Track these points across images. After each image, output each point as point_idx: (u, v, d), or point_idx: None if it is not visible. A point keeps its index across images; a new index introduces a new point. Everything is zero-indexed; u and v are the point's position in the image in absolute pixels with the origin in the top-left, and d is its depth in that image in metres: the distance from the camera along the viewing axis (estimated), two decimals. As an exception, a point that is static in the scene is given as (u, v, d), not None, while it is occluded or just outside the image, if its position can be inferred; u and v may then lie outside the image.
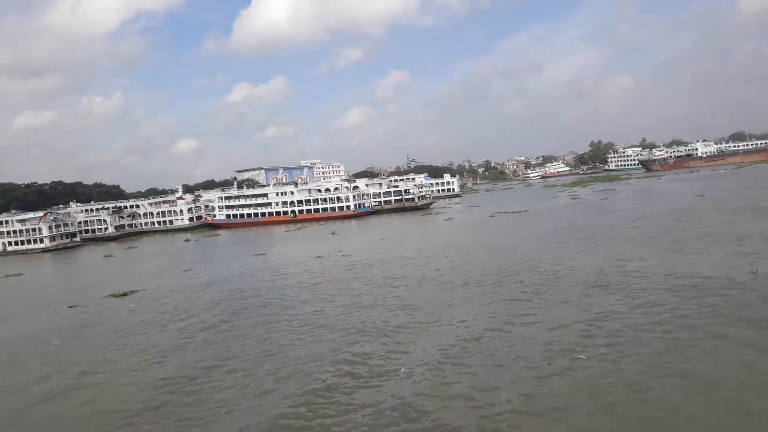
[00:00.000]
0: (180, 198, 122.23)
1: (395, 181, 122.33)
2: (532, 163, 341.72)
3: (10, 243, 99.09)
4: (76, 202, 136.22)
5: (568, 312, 22.72)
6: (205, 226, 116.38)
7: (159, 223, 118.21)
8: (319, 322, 25.74)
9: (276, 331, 25.10)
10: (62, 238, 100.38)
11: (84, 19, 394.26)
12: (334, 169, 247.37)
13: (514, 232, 53.60)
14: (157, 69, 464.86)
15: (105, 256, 75.26)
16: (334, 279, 37.33)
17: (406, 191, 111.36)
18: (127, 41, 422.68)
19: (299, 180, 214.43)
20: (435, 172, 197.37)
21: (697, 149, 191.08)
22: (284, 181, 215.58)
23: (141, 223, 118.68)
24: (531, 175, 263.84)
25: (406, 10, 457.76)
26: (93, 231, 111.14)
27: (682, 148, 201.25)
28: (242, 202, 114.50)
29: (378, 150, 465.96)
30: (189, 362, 21.75)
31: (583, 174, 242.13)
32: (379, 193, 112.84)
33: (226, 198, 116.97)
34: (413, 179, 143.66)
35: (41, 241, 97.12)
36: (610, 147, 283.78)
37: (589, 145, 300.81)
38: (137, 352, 24.05)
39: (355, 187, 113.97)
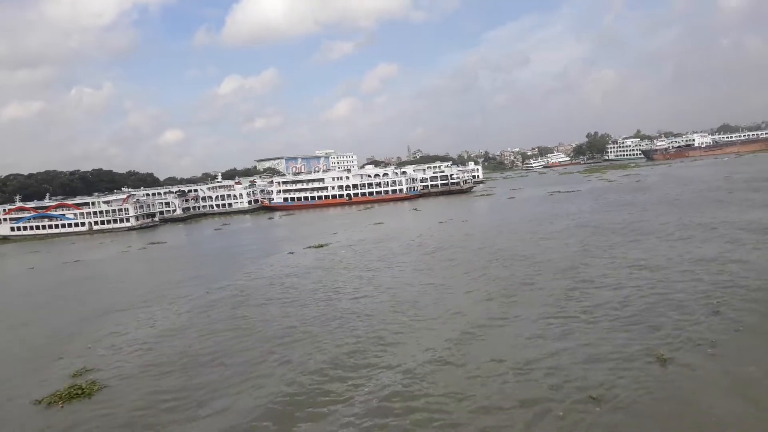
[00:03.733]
0: (237, 183, 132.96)
1: (439, 167, 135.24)
2: (528, 153, 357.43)
3: (96, 223, 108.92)
4: (127, 188, 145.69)
5: None
6: (262, 209, 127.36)
7: (219, 206, 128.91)
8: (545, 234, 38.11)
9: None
10: (144, 218, 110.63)
11: (84, 10, 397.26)
12: (348, 158, 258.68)
13: (600, 203, 66.39)
14: (148, 61, 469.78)
15: (215, 230, 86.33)
16: (504, 233, 49.68)
17: (452, 176, 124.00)
18: (120, 33, 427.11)
19: (316, 168, 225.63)
20: (436, 162, 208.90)
21: (694, 140, 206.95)
22: (303, 169, 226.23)
23: (201, 206, 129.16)
24: (534, 165, 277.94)
25: (398, 5, 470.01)
26: (161, 213, 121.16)
27: (680, 139, 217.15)
28: (300, 186, 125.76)
29: (365, 140, 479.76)
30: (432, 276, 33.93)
31: (585, 163, 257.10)
32: (426, 177, 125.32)
33: (284, 183, 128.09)
34: (439, 167, 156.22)
35: (128, 220, 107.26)
36: (606, 138, 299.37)
37: (586, 136, 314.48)
38: (412, 269, 36.23)
39: (404, 173, 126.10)
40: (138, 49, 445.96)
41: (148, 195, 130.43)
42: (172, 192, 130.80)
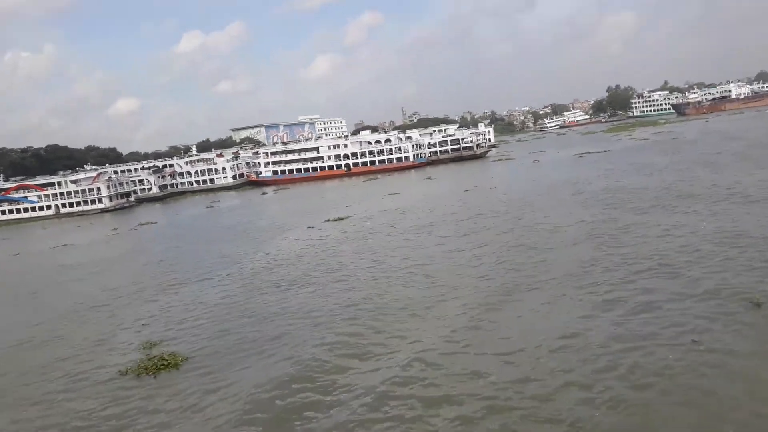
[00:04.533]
0: (219, 155, 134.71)
1: (444, 131, 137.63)
2: (541, 113, 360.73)
3: (64, 205, 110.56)
4: (91, 165, 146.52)
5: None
6: (248, 184, 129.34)
7: (200, 182, 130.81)
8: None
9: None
10: (118, 198, 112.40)
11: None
12: (336, 124, 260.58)
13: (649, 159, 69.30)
14: (96, 18, 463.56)
15: (207, 208, 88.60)
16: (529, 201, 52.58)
17: (464, 140, 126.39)
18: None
19: (300, 136, 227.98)
20: (441, 125, 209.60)
21: (730, 91, 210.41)
22: (285, 138, 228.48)
23: (178, 183, 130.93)
24: (549, 125, 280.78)
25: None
26: (135, 192, 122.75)
27: (714, 90, 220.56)
28: (291, 157, 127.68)
29: (350, 103, 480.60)
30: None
31: (606, 121, 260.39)
32: (434, 143, 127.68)
33: (272, 154, 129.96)
34: (445, 130, 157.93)
35: (100, 201, 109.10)
36: (629, 92, 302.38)
37: (606, 91, 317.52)
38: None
39: (408, 138, 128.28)
40: (84, 3, 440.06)
41: (117, 172, 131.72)
42: (146, 168, 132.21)
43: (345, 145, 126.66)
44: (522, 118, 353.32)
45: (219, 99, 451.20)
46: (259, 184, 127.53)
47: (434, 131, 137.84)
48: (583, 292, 22.82)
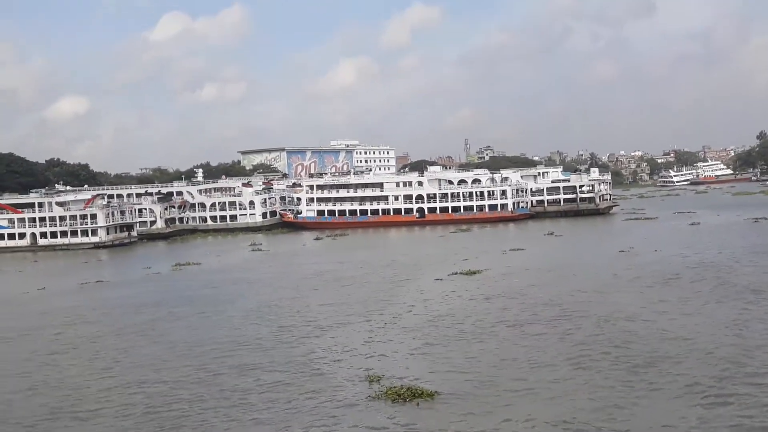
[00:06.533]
0: (247, 185, 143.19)
1: (542, 174, 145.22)
2: (659, 161, 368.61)
3: (44, 234, 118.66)
4: (62, 184, 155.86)
5: None
6: (282, 225, 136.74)
7: (217, 218, 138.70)
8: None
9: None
10: (116, 231, 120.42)
11: None
12: (383, 155, 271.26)
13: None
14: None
15: (252, 251, 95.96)
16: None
17: (581, 188, 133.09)
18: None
19: (333, 168, 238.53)
20: (522, 166, 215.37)
21: None
22: (313, 168, 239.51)
23: (189, 218, 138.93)
24: (674, 179, 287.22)
25: None
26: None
27: None
28: (344, 194, 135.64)
29: (380, 126, 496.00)
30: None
31: (759, 180, 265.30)
32: (541, 189, 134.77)
33: (318, 188, 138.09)
34: (542, 174, 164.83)
35: (94, 233, 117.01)
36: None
37: (757, 137, 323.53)
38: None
39: (505, 179, 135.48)
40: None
41: (104, 197, 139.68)
42: (150, 194, 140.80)
43: (419, 183, 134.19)
44: (633, 166, 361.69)
45: (196, 108, 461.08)
46: (296, 226, 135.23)
47: (538, 173, 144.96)
48: None
